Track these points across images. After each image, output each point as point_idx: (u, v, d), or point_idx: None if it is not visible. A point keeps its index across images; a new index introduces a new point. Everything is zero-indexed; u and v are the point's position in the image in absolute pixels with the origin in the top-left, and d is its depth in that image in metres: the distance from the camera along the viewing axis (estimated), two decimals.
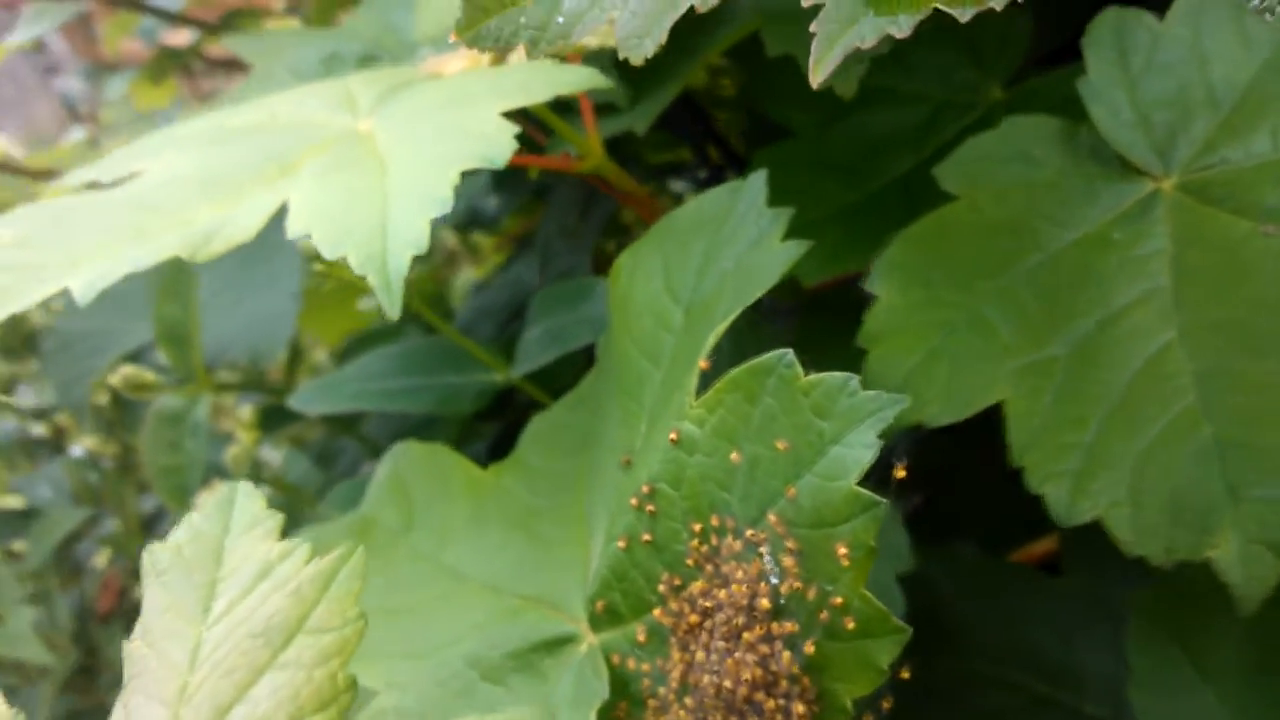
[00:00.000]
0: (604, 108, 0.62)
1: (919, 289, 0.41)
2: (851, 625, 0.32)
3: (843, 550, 0.32)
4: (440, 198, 0.36)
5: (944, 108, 0.55)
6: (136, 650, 0.27)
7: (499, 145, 0.37)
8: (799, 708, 0.33)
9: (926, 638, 0.57)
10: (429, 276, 1.12)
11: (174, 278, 0.80)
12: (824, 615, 0.33)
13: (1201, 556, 0.33)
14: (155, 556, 0.29)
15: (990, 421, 0.39)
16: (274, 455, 0.95)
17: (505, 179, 0.81)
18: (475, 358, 0.70)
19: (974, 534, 0.62)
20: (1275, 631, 0.40)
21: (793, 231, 0.53)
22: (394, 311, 0.35)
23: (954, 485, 0.76)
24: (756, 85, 0.63)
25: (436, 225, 0.36)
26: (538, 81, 0.42)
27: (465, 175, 0.37)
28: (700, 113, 0.75)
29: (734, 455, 0.34)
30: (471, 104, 0.41)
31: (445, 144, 0.39)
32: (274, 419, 0.89)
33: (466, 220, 1.00)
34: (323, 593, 0.26)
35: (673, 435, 0.36)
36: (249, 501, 0.29)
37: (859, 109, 0.57)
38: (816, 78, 0.29)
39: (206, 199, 0.42)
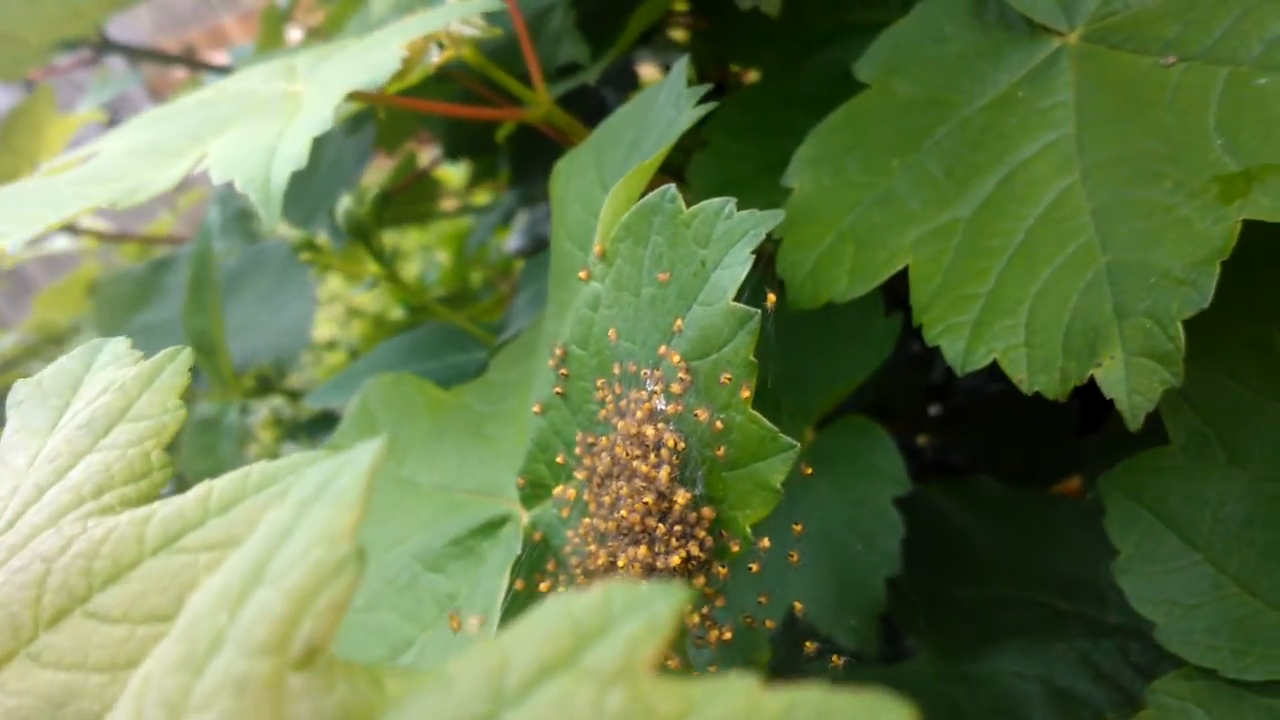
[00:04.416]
0: (571, 68, 0.65)
1: (831, 176, 0.42)
2: (740, 443, 0.32)
3: (725, 376, 0.32)
4: (323, 118, 0.39)
5: None
6: None
7: (382, 67, 0.40)
8: (700, 533, 0.33)
9: (950, 567, 0.57)
10: (497, 304, 1.13)
11: (196, 290, 0.84)
12: (720, 451, 0.33)
13: (1086, 378, 0.32)
14: (16, 389, 0.30)
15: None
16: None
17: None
18: (475, 336, 0.72)
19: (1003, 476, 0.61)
20: (1261, 484, 0.38)
21: (771, 167, 0.54)
22: (272, 222, 0.37)
23: (989, 435, 0.76)
24: (723, 33, 0.65)
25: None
26: (437, 17, 0.45)
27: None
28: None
29: (629, 301, 0.35)
30: (381, 47, 0.44)
31: (342, 76, 0.42)
32: (319, 425, 0.92)
33: (535, 248, 1.03)
34: (145, 387, 0.27)
35: (582, 274, 0.36)
36: (115, 345, 0.30)
37: (827, 46, 0.58)
38: None
39: (149, 164, 0.45)
